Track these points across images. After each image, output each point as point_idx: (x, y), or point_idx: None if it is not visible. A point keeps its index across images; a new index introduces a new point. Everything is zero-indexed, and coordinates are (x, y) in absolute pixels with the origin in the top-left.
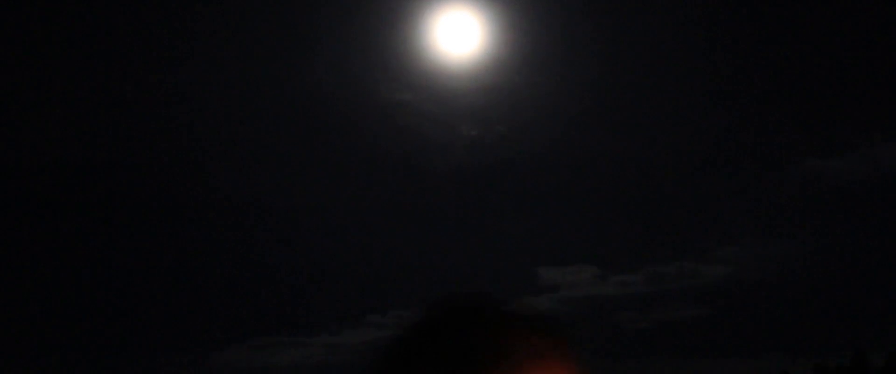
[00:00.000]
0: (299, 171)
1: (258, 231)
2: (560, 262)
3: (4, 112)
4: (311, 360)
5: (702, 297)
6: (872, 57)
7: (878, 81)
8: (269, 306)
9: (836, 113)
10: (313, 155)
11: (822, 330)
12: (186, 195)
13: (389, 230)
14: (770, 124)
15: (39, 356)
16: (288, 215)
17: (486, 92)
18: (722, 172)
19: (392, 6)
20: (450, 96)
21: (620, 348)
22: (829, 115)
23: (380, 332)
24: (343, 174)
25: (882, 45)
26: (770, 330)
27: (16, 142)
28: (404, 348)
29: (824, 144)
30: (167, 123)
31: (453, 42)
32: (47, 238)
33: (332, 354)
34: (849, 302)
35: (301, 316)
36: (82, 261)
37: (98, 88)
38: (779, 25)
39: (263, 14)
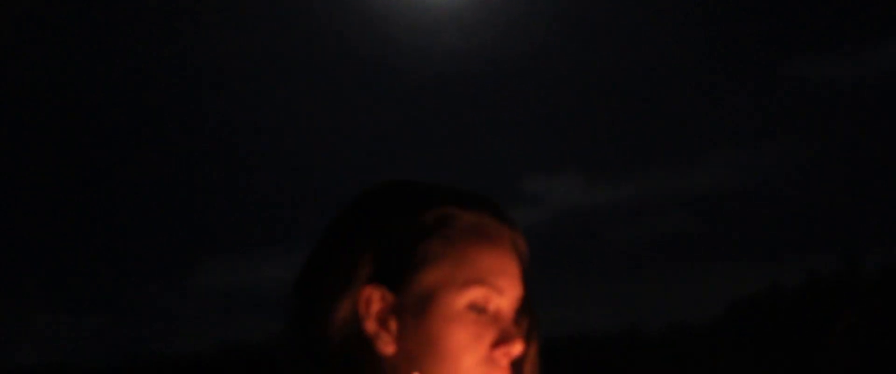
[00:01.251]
0: (280, 80)
1: (240, 146)
2: (545, 172)
3: None
4: (294, 271)
5: (690, 205)
6: None
7: None
8: (249, 220)
9: (828, 11)
10: (292, 63)
11: (814, 238)
12: (169, 112)
13: (369, 142)
14: (758, 25)
15: (22, 277)
16: (268, 127)
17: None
18: (711, 76)
19: None
20: (431, 3)
21: (607, 259)
22: (820, 13)
23: None
24: (321, 84)
25: None
26: (760, 238)
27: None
28: (336, 230)
29: (814, 43)
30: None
31: None
32: (35, 160)
33: None
34: (841, 209)
35: (279, 229)
36: (66, 180)
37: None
38: None
39: None
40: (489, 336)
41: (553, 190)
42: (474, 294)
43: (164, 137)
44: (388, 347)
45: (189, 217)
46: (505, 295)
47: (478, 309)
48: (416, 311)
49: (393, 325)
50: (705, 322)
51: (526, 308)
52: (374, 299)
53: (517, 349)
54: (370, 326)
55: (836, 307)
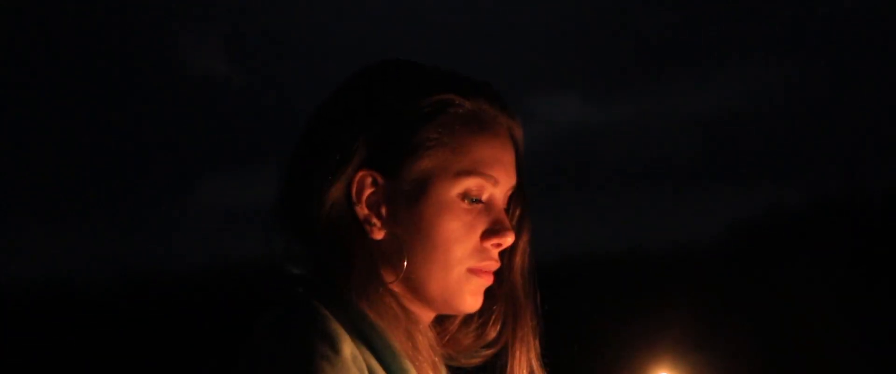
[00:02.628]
0: None
1: (245, 57)
2: (544, 91)
3: None
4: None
5: (692, 124)
6: None
7: None
8: (249, 134)
9: None
10: None
11: (818, 158)
12: (169, 27)
13: (367, 58)
14: None
15: (18, 189)
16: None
17: None
18: None
19: None
20: None
21: (608, 179)
22: None
23: None
24: None
25: None
26: (761, 161)
27: None
28: (332, 109)
29: None
30: None
31: None
32: (32, 72)
33: None
34: (845, 131)
35: (286, 145)
36: (65, 93)
37: None
38: None
39: None
40: (481, 226)
41: (551, 109)
42: (468, 184)
43: (165, 50)
44: (378, 233)
45: (191, 130)
46: (499, 185)
47: (471, 199)
48: (408, 198)
49: (384, 211)
50: (707, 242)
51: (519, 198)
52: (367, 184)
53: (508, 239)
54: (361, 211)
55: (839, 228)
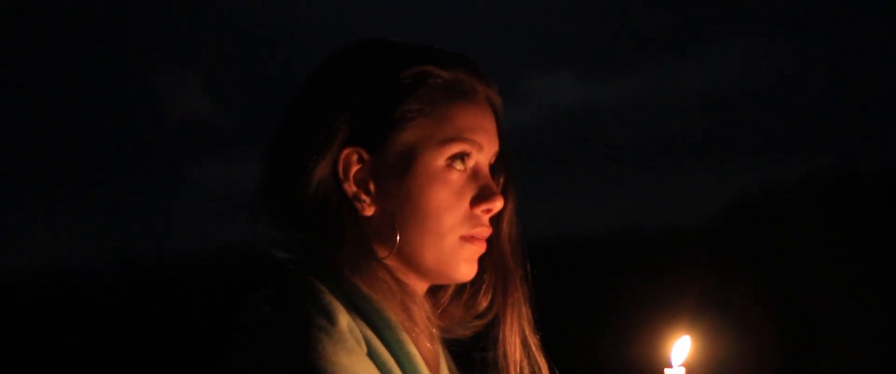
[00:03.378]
0: None
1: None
2: (538, 71)
3: None
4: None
5: (687, 103)
6: None
7: None
8: (241, 116)
9: None
10: None
11: (814, 137)
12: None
13: (364, 33)
14: None
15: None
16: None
17: None
18: None
19: None
20: None
21: (602, 159)
22: None
23: None
24: None
25: None
26: (758, 138)
27: None
28: (311, 90)
29: None
30: None
31: None
32: (30, 55)
33: None
34: (840, 107)
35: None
36: (61, 76)
37: None
38: None
39: None
40: (469, 193)
41: (546, 89)
42: (453, 150)
43: (162, 30)
44: (368, 209)
45: (190, 112)
46: (483, 151)
47: (457, 166)
48: (395, 171)
49: (372, 186)
50: (702, 223)
51: (502, 164)
52: (353, 161)
53: (498, 204)
54: (350, 188)
55: (835, 206)
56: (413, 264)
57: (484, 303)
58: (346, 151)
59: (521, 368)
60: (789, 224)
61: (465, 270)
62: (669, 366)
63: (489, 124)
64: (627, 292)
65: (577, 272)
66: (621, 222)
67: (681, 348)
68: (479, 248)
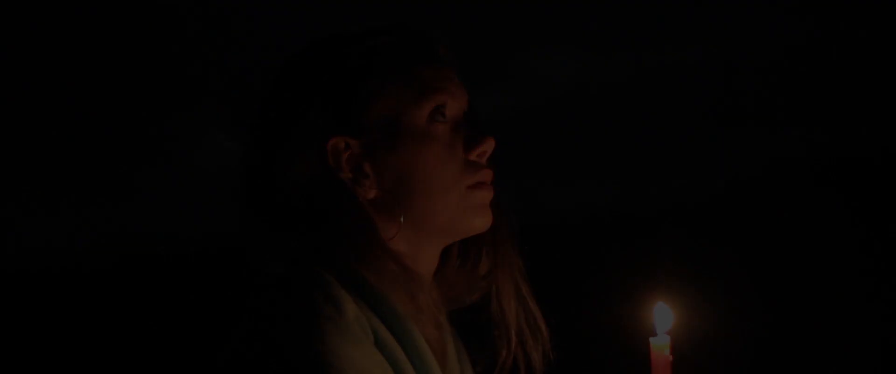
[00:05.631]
0: None
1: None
2: (538, 50)
3: None
4: None
5: (687, 81)
6: None
7: None
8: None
9: None
10: None
11: (816, 113)
12: None
13: (364, 21)
14: None
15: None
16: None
17: None
18: None
19: None
20: None
21: (604, 137)
22: None
23: None
24: None
25: None
26: (760, 113)
27: None
28: (277, 97)
29: None
30: None
31: None
32: (29, 46)
33: None
34: (844, 86)
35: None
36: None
37: None
38: None
39: None
40: (459, 142)
41: (547, 68)
42: (430, 105)
43: (163, 13)
44: (369, 191)
45: (192, 95)
46: (456, 99)
47: (439, 119)
48: (384, 145)
49: (367, 167)
50: (705, 200)
51: (472, 112)
52: (341, 149)
53: (490, 143)
54: (346, 175)
55: (836, 184)
56: (427, 228)
57: (484, 267)
58: (331, 143)
59: (517, 314)
60: (786, 199)
61: (481, 219)
62: (654, 334)
63: (451, 74)
64: (614, 263)
65: (567, 246)
66: (623, 199)
67: (665, 316)
68: (488, 193)
